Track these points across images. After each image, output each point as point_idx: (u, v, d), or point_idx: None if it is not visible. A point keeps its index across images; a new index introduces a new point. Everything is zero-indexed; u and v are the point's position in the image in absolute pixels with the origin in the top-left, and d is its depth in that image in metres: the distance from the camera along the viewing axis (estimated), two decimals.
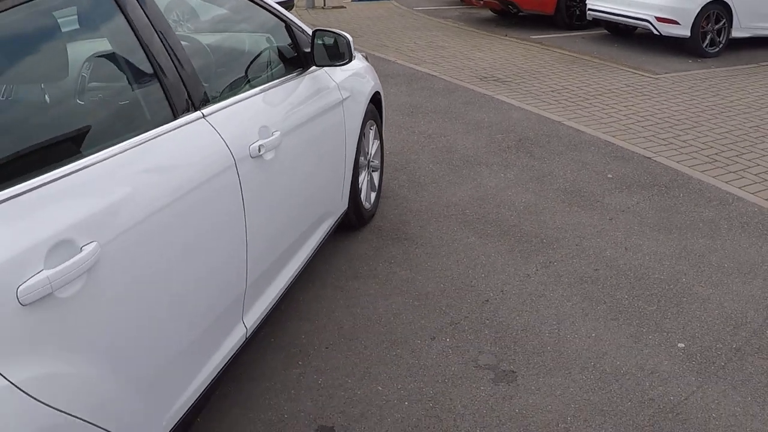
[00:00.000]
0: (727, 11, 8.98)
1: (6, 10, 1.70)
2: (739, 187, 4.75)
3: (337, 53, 3.20)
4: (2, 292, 1.43)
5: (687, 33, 8.83)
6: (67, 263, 1.57)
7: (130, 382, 1.81)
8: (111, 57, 2.18)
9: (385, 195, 4.52)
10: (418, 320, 3.24)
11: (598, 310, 3.32)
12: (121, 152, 1.88)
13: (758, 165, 5.17)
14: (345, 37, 3.20)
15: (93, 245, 1.64)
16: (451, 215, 4.31)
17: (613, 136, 5.78)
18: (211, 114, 2.33)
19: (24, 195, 1.57)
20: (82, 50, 2.25)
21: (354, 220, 3.95)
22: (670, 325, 3.21)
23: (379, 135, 4.32)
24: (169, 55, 2.21)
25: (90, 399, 1.64)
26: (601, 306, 3.36)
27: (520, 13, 11.19)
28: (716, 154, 5.41)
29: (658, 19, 8.84)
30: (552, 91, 7.21)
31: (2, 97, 1.84)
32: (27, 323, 1.49)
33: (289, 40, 3.18)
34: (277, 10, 3.12)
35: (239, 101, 2.58)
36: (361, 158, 3.91)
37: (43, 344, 1.52)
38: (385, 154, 4.58)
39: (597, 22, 10.29)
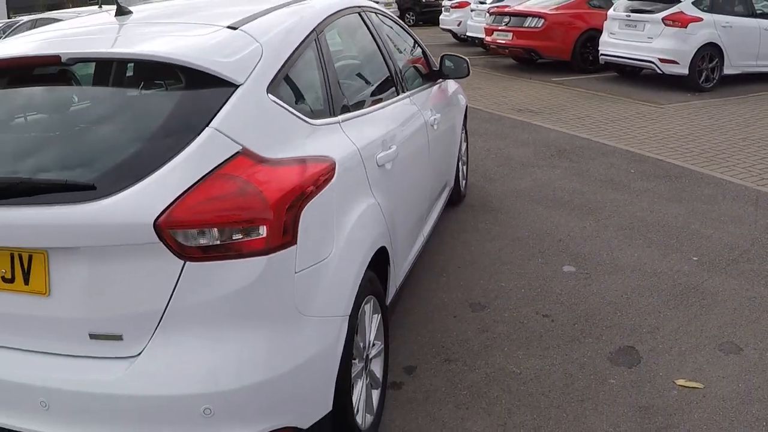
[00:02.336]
0: (719, 52, 10.59)
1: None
2: (731, 176, 6.35)
3: (458, 70, 4.77)
4: (372, 156, 2.97)
5: (685, 71, 10.48)
6: (388, 151, 3.13)
7: (405, 225, 3.38)
8: (376, 67, 3.80)
9: (468, 186, 6.11)
10: (516, 251, 4.80)
11: (636, 243, 4.88)
12: (388, 105, 3.51)
13: (745, 161, 6.78)
14: (465, 59, 4.79)
15: (395, 147, 3.22)
16: (520, 196, 5.90)
17: (632, 147, 7.40)
18: (410, 96, 3.94)
19: (372, 113, 3.21)
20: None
21: (455, 196, 5.53)
22: (686, 248, 4.77)
23: (466, 137, 5.94)
24: (395, 64, 3.85)
25: (391, 221, 3.14)
26: (638, 241, 4.92)
27: (540, 60, 12.92)
28: (713, 156, 7.03)
29: (661, 60, 10.50)
30: (578, 118, 8.88)
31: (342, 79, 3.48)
32: (379, 175, 3.02)
33: (426, 60, 4.78)
34: (418, 41, 4.75)
35: (414, 94, 4.17)
36: (458, 151, 5.50)
37: (382, 188, 3.05)
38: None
39: (608, 66, 11.98)
